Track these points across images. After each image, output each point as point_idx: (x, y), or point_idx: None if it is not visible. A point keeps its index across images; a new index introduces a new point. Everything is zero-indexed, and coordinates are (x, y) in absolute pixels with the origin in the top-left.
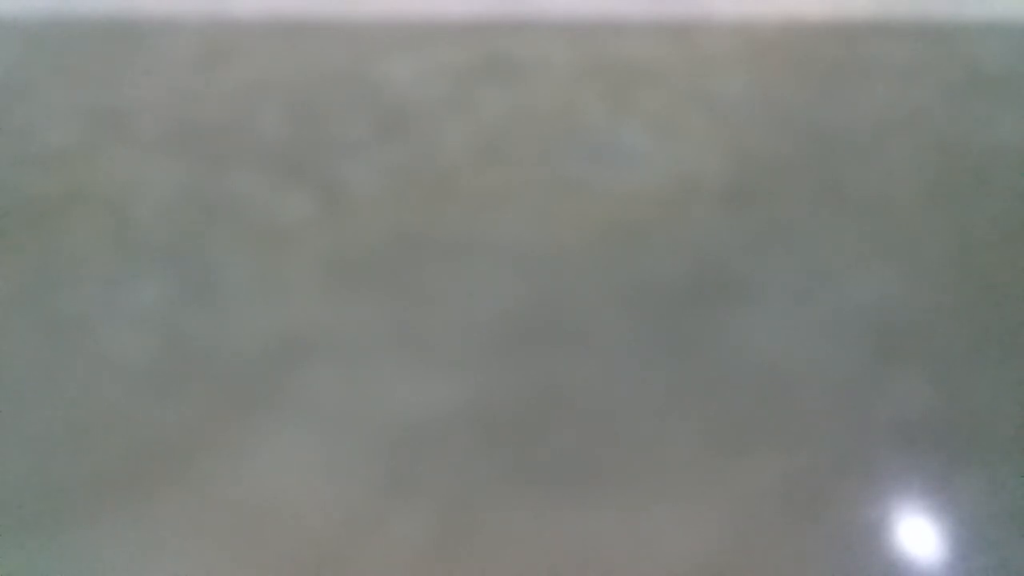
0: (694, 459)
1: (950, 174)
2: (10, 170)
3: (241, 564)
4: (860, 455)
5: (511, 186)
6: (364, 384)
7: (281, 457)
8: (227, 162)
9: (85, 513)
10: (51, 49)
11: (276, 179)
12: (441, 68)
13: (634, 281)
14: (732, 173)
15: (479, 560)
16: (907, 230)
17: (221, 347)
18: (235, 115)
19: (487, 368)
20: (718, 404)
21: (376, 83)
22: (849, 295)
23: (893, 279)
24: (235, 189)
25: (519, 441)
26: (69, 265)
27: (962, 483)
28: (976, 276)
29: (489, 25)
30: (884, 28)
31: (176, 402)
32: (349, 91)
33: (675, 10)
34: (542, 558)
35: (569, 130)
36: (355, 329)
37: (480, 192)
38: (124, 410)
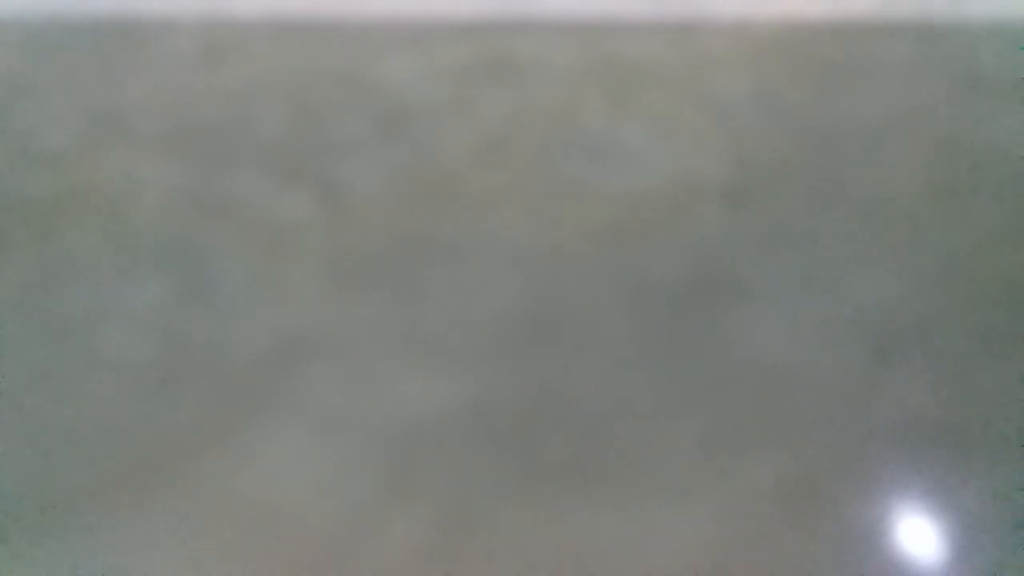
0: (694, 459)
1: (950, 174)
2: (10, 170)
3: (241, 564)
4: (860, 455)
5: (511, 186)
6: (364, 384)
7: (281, 457)
8: (227, 162)
9: (85, 513)
10: (51, 49)
11: (276, 179)
12: (441, 68)
13: (634, 281)
14: (732, 173)
15: (479, 559)
16: (907, 230)
17: (221, 347)
18: (235, 115)
19: (487, 368)
20: (718, 404)
21: (376, 83)
22: (849, 295)
23: (893, 279)
24: (235, 189)
25: (519, 441)
26: (69, 265)
27: (962, 483)
28: (976, 276)
29: (489, 25)
30: (884, 28)
31: (176, 402)
32: (349, 91)
33: (675, 10)
34: (542, 557)
35: (569, 130)
36: (355, 329)
37: (480, 192)
38: (124, 410)
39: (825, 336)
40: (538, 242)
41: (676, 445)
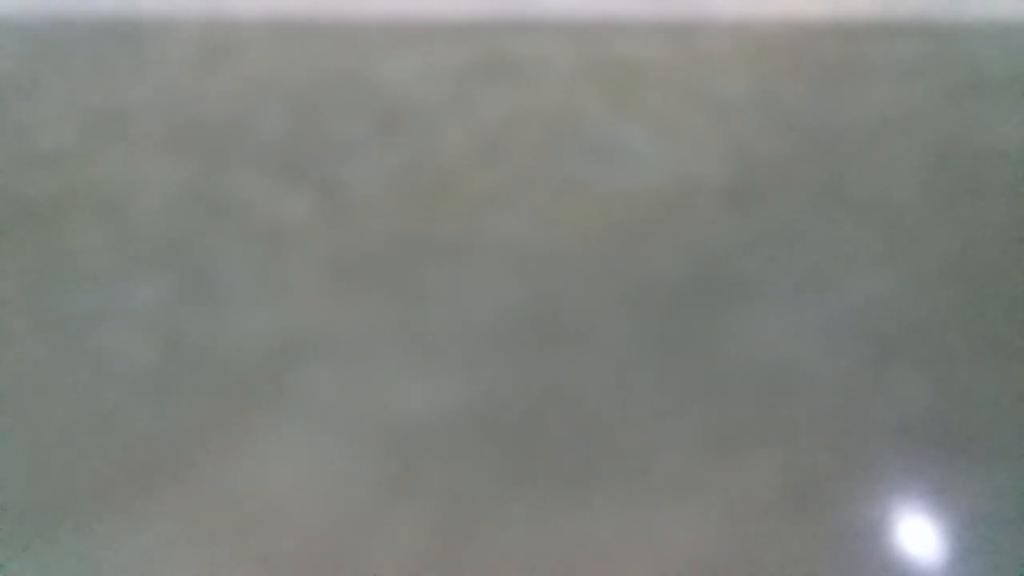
0: (695, 458)
1: (950, 174)
2: (10, 170)
3: (241, 564)
4: (860, 455)
5: (511, 186)
6: (364, 384)
7: (282, 457)
8: (227, 162)
9: (85, 513)
10: (51, 49)
11: (276, 179)
12: (441, 68)
13: (634, 281)
14: (732, 173)
15: (479, 559)
16: (907, 230)
17: (221, 347)
18: (235, 115)
19: (487, 368)
20: (718, 404)
21: (376, 83)
22: (849, 295)
23: (893, 279)
24: (235, 189)
25: (520, 440)
26: (69, 265)
27: (961, 483)
28: (976, 276)
29: (489, 25)
30: (884, 28)
31: (176, 402)
32: (349, 91)
33: (675, 10)
34: (542, 557)
35: (569, 130)
36: (355, 329)
37: (480, 192)
38: (124, 410)
39: (825, 336)
40: (538, 242)
41: (677, 445)
